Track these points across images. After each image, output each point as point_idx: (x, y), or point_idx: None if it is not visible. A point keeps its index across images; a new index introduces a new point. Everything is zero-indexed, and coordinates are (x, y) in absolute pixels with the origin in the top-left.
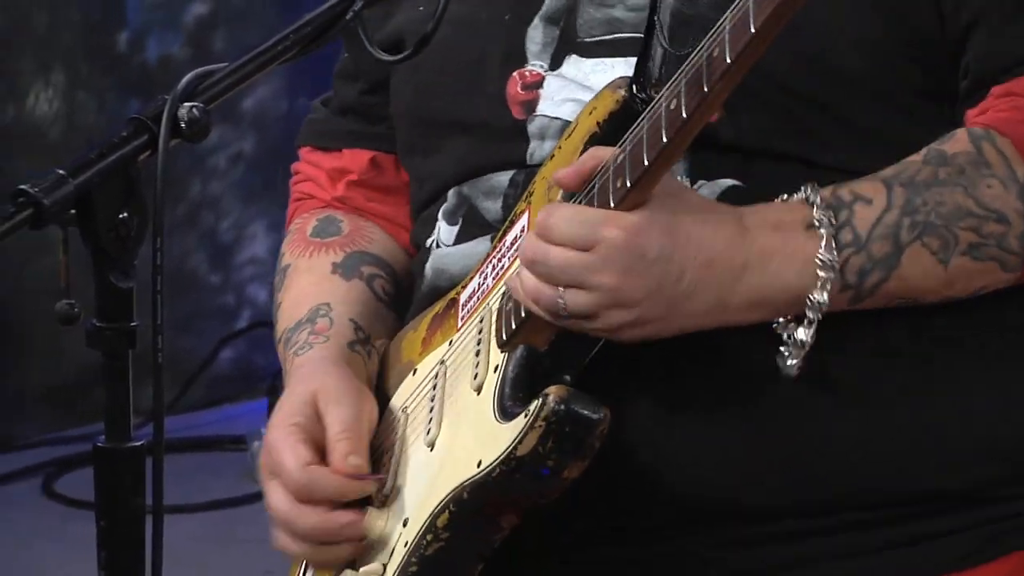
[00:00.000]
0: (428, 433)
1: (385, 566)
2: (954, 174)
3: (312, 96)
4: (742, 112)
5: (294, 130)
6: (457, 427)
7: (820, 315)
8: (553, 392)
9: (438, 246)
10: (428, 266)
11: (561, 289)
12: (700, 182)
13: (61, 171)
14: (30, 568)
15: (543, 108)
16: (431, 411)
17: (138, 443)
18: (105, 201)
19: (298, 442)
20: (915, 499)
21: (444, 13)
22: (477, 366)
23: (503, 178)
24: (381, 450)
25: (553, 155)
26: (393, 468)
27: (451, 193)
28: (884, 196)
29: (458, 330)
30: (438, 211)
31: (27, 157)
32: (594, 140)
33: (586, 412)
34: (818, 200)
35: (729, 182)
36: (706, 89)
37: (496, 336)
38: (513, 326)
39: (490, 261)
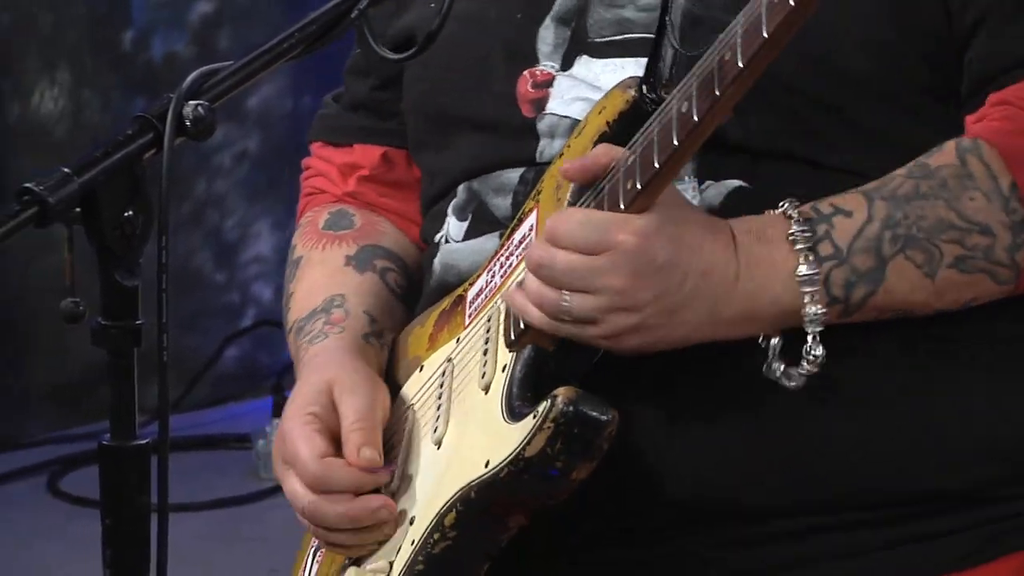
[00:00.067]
0: (435, 431)
1: (392, 564)
2: (936, 187)
3: (317, 94)
4: (749, 113)
5: (299, 128)
6: (464, 426)
7: (819, 328)
8: (562, 393)
9: (447, 241)
10: (437, 261)
11: (565, 292)
12: (707, 183)
13: (66, 169)
14: (35, 566)
15: (553, 107)
16: (438, 409)
17: (143, 441)
18: (110, 199)
19: (314, 432)
20: (915, 499)
21: (450, 10)
22: (485, 365)
23: (513, 175)
24: (390, 444)
25: (562, 153)
26: (400, 463)
27: (461, 189)
28: (865, 209)
29: (465, 327)
30: (448, 206)
31: (32, 155)
32: (604, 139)
33: (595, 413)
34: (795, 215)
35: (736, 183)
36: (718, 93)
37: (504, 335)
38: (522, 326)
39: (498, 259)
